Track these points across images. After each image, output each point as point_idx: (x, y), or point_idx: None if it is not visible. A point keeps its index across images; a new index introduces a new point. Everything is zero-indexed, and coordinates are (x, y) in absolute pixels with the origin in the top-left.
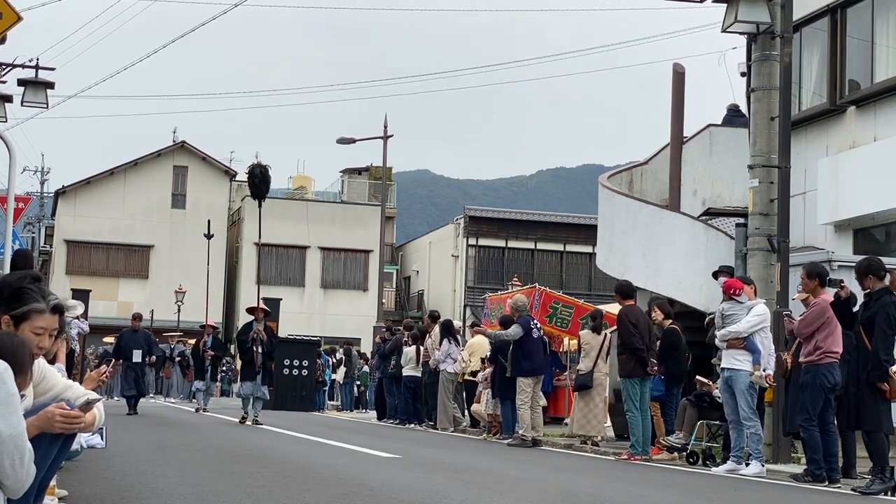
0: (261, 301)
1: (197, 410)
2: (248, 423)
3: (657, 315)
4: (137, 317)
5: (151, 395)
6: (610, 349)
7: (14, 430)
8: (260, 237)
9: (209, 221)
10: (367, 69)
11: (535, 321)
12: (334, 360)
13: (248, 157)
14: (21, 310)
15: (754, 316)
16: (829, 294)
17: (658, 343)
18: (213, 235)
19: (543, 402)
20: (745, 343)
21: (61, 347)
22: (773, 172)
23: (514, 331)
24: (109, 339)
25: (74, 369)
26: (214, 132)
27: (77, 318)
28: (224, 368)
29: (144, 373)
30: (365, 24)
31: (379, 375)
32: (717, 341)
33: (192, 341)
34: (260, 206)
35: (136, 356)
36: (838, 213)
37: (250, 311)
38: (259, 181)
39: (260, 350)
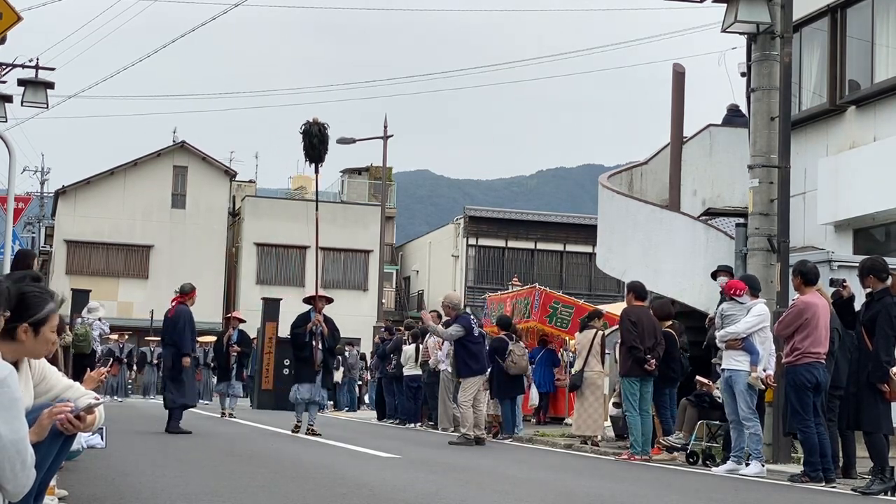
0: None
1: (223, 415)
2: (302, 433)
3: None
4: (184, 291)
5: (206, 402)
6: (604, 348)
7: (16, 435)
8: (317, 208)
9: (234, 198)
10: (367, 69)
11: (474, 317)
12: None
13: (248, 157)
14: (41, 315)
15: (753, 316)
16: (814, 293)
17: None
18: (238, 214)
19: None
20: (743, 344)
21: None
22: (773, 172)
23: (455, 330)
24: (114, 337)
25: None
26: (214, 132)
27: (98, 319)
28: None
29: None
30: (365, 24)
31: (379, 375)
32: (717, 342)
33: (203, 339)
34: (317, 171)
35: (168, 349)
36: (838, 213)
37: (308, 300)
38: (318, 141)
39: (320, 346)
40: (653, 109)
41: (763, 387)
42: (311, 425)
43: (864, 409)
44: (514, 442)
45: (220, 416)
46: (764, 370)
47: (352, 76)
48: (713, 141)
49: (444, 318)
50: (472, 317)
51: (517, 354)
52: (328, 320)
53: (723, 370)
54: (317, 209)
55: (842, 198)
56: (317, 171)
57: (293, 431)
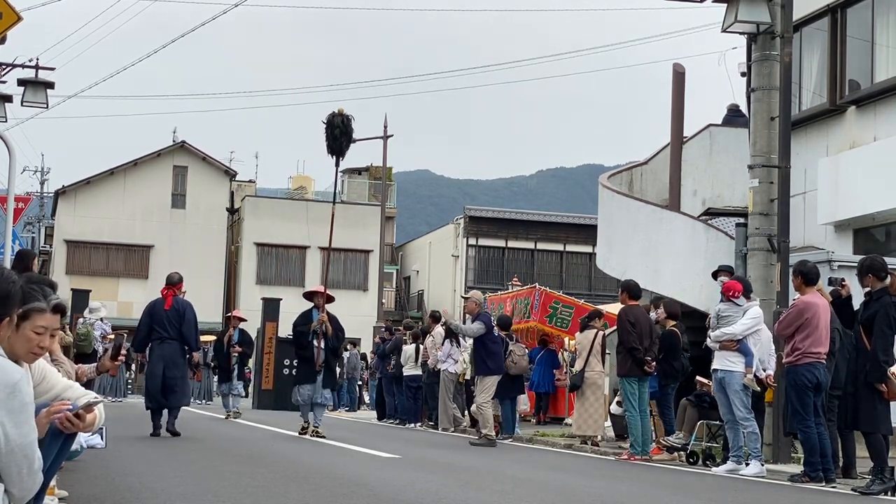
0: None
1: (227, 417)
2: (308, 435)
3: (661, 313)
4: (175, 281)
5: (203, 401)
6: (605, 348)
7: (25, 439)
8: (334, 203)
9: (232, 193)
10: (367, 69)
11: (492, 319)
12: None
13: (248, 157)
14: (24, 308)
15: (749, 319)
16: (815, 293)
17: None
18: (236, 210)
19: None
20: (738, 346)
21: (57, 348)
22: (773, 172)
23: (477, 327)
24: (111, 336)
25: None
26: (214, 132)
27: (100, 319)
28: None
29: (181, 369)
30: (365, 24)
31: (379, 375)
32: (709, 342)
33: (202, 338)
34: (338, 164)
35: (170, 344)
36: (838, 213)
37: (308, 295)
38: (340, 132)
39: (322, 345)
40: (653, 109)
41: (758, 388)
42: (317, 427)
43: (862, 409)
44: (514, 442)
45: (224, 417)
46: (764, 370)
47: (352, 76)
48: (713, 141)
49: (466, 316)
50: (490, 316)
51: (517, 354)
52: (332, 319)
53: (714, 370)
54: (333, 203)
55: (842, 198)
56: (337, 164)
57: (300, 433)
